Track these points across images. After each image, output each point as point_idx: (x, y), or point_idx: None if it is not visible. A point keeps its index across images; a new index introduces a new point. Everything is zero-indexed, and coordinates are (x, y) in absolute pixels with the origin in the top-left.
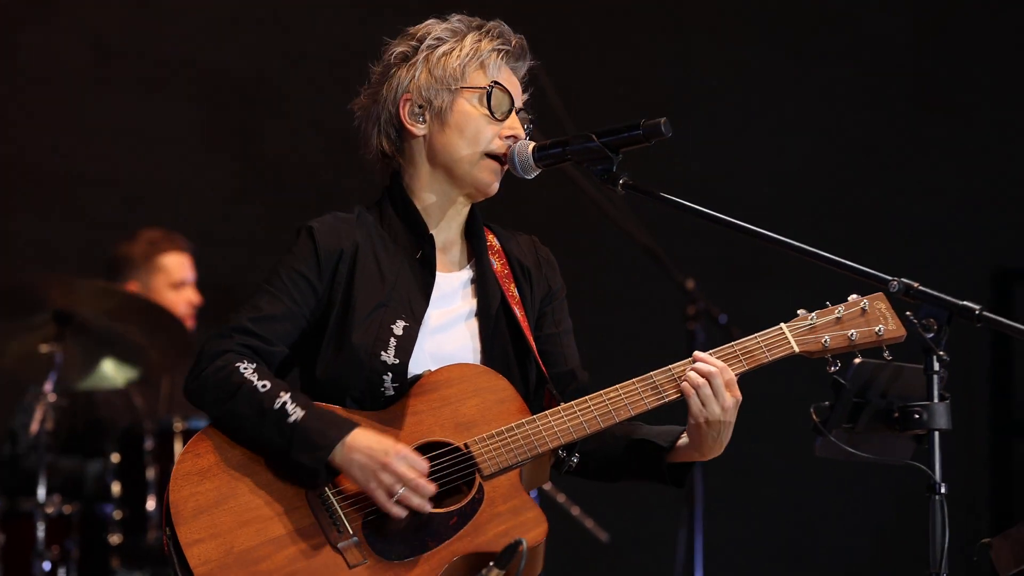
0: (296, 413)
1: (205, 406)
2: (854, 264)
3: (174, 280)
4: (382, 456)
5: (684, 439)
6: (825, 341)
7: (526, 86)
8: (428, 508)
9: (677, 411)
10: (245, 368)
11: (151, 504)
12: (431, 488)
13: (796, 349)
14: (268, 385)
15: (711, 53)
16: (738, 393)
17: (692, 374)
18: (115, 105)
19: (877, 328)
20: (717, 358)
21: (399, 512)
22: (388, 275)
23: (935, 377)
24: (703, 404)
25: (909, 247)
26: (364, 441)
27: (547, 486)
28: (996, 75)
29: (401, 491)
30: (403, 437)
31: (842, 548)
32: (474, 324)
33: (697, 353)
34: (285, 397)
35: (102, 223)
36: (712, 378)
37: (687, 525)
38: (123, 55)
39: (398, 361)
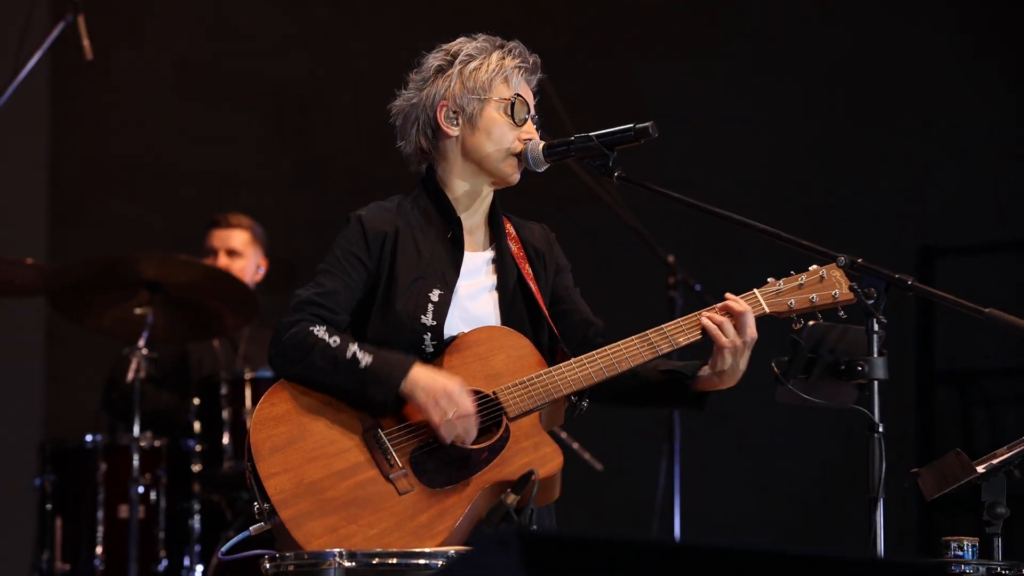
0: (365, 359)
1: (287, 365)
2: (807, 242)
3: (207, 248)
4: (443, 386)
5: (705, 370)
6: (791, 303)
7: (535, 94)
8: (468, 441)
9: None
10: (317, 329)
11: (226, 439)
12: (474, 423)
13: (767, 310)
14: (338, 340)
15: (687, 68)
16: (755, 332)
17: (716, 315)
18: (194, 111)
19: (834, 292)
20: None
21: (446, 434)
22: (424, 253)
23: (875, 336)
24: (726, 335)
25: (850, 228)
26: (425, 374)
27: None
28: (917, 84)
29: (452, 414)
30: None
31: (795, 477)
32: (495, 295)
33: (728, 295)
34: (354, 347)
35: (183, 208)
36: (740, 316)
37: (668, 457)
38: (200, 70)
39: (435, 323)
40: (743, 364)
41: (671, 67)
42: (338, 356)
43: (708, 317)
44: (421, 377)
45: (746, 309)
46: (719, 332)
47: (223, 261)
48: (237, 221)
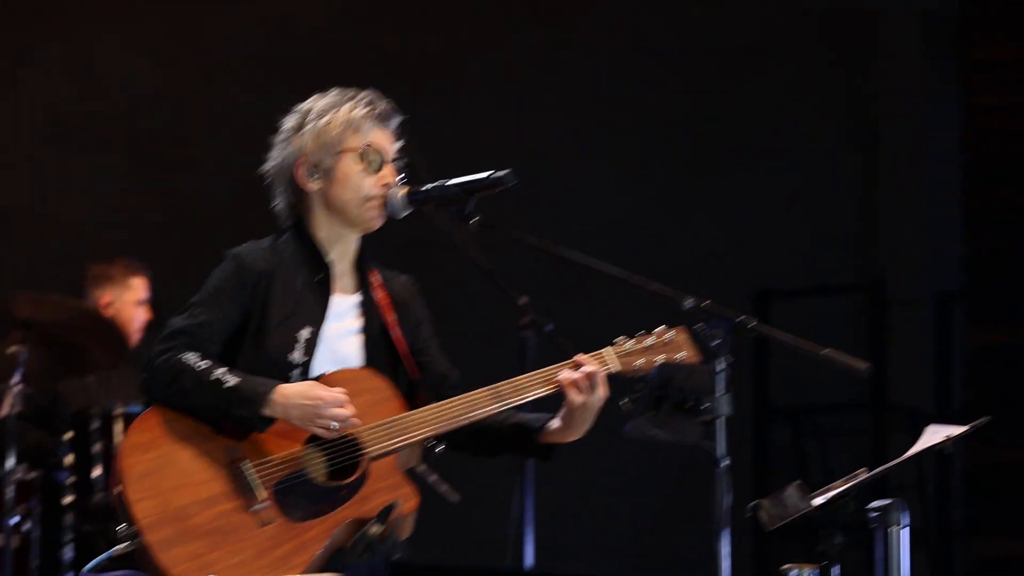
0: (230, 380)
1: (157, 389)
2: (655, 286)
3: (138, 298)
4: (313, 408)
5: (553, 423)
6: (638, 364)
7: (399, 136)
8: (357, 422)
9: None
10: (187, 355)
11: (97, 472)
12: (352, 411)
13: (615, 369)
14: (207, 363)
15: (537, 122)
16: (606, 390)
17: (570, 373)
18: (64, 158)
19: (679, 355)
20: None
21: (335, 435)
22: (294, 293)
23: (720, 374)
24: (579, 393)
25: (693, 274)
26: (292, 393)
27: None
28: (753, 139)
29: (336, 426)
30: None
31: (635, 508)
32: (360, 338)
33: (580, 356)
34: (221, 370)
35: (53, 251)
36: (590, 375)
37: (520, 489)
38: (70, 119)
39: (304, 360)
40: (591, 420)
41: (522, 120)
42: (203, 377)
43: (562, 374)
44: (289, 396)
45: (597, 369)
46: (572, 389)
47: (147, 315)
48: None
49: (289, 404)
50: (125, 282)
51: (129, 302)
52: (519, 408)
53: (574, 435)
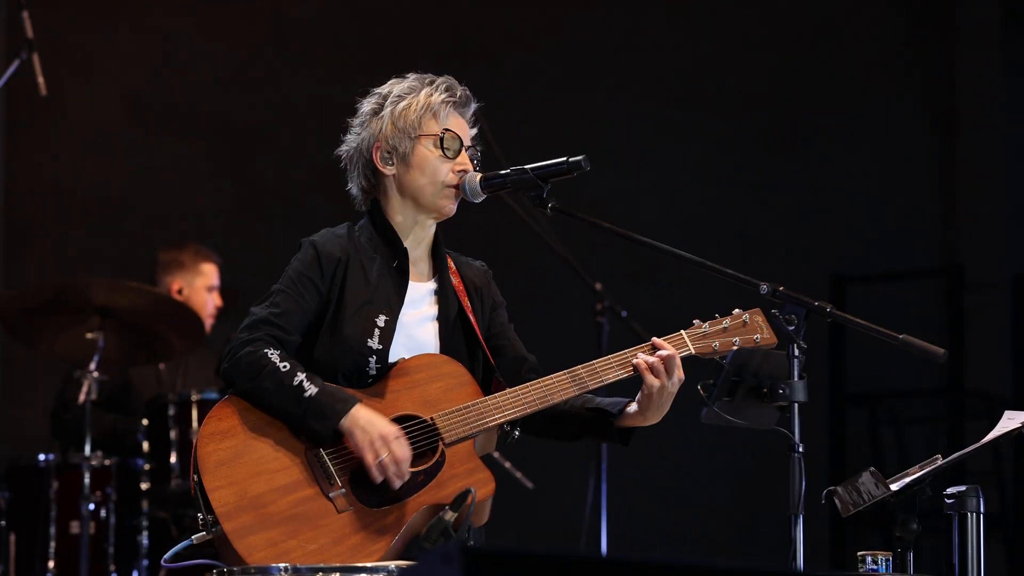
0: (311, 389)
1: (236, 382)
2: (730, 271)
3: (209, 284)
4: (380, 430)
5: (631, 407)
6: (715, 346)
7: (473, 123)
8: (397, 484)
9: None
10: (270, 352)
11: (173, 458)
12: (407, 467)
13: (692, 351)
14: (288, 366)
15: (612, 103)
16: (682, 374)
17: (646, 357)
18: (141, 143)
19: (755, 336)
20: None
21: (378, 475)
22: (372, 280)
23: (795, 360)
24: (656, 377)
25: (768, 258)
26: (366, 415)
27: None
28: (829, 122)
29: (384, 456)
30: (383, 409)
31: (712, 494)
32: (437, 325)
33: (656, 339)
34: (302, 376)
35: (130, 237)
36: (667, 359)
37: (595, 475)
38: (147, 104)
39: (381, 347)
40: (668, 403)
41: (597, 102)
42: (285, 381)
43: (639, 357)
44: (361, 417)
45: (674, 352)
46: (649, 373)
47: (219, 301)
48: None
49: (356, 427)
50: (196, 268)
51: (200, 288)
52: (596, 392)
53: (652, 419)
